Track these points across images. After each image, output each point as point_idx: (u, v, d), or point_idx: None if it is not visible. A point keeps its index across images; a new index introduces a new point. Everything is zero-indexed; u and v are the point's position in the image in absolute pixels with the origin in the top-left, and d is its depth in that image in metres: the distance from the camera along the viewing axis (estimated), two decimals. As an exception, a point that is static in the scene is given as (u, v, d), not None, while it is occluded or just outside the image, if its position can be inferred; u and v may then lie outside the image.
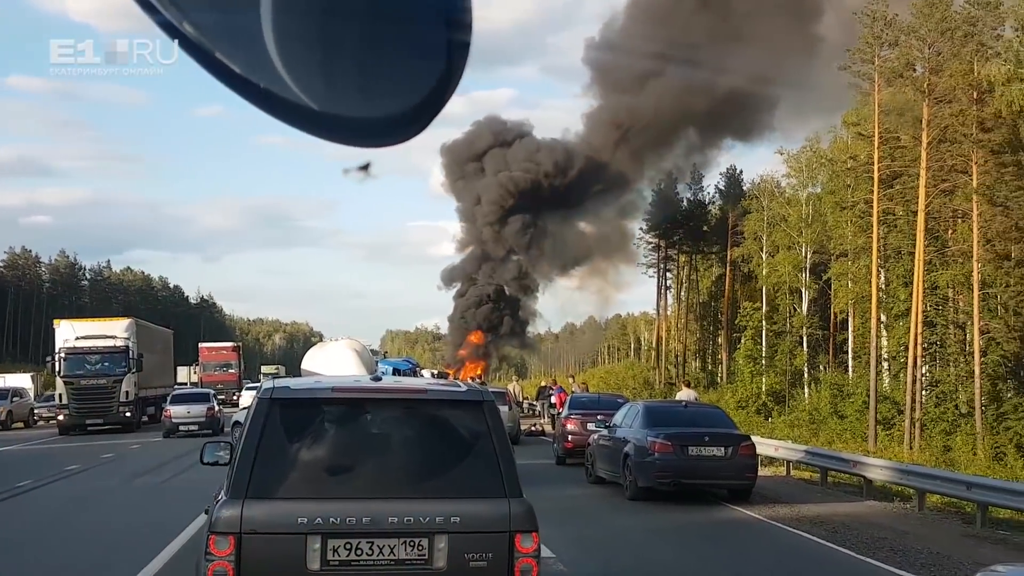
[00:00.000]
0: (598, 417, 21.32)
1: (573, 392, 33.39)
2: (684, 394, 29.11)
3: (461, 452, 6.24)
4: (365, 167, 1.92)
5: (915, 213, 37.93)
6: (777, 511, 15.21)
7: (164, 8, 1.46)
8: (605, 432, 18.08)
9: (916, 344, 35.04)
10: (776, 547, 12.64)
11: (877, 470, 17.47)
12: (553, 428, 34.99)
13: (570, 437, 22.03)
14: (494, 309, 54.36)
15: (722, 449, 15.81)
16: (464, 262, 57.33)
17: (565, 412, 23.21)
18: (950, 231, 40.16)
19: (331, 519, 5.55)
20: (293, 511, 5.58)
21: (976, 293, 33.54)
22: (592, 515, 15.05)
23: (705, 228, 67.81)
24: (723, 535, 13.63)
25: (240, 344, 52.78)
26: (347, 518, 5.57)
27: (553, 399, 35.74)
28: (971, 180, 34.71)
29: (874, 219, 38.50)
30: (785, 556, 12.09)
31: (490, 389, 34.18)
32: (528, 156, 52.51)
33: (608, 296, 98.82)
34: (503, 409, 27.84)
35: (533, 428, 33.55)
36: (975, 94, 33.66)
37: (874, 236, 38.52)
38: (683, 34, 47.48)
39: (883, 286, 40.49)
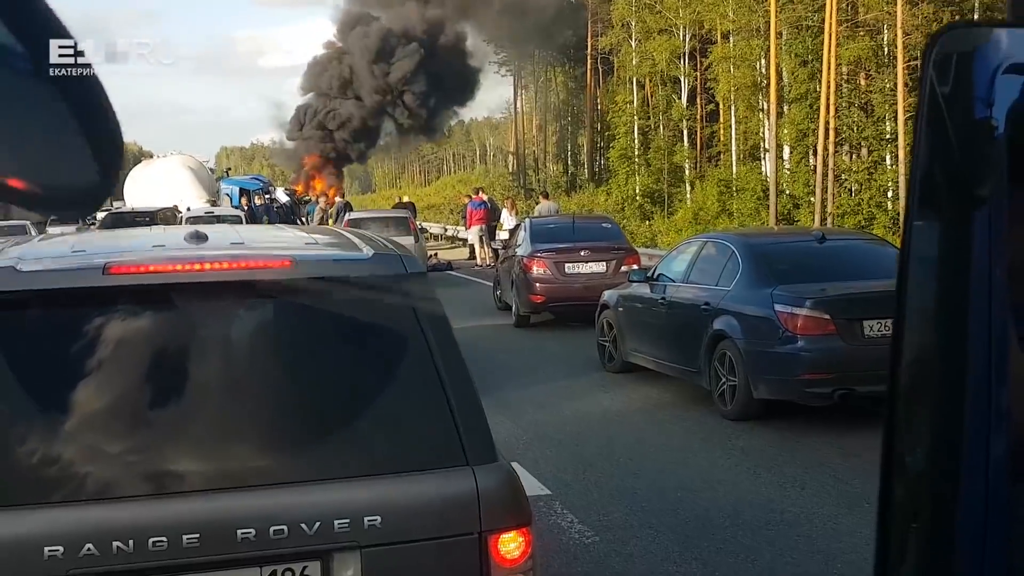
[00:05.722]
0: (581, 254, 15.44)
1: (503, 212, 26.29)
2: (545, 207, 24.23)
3: (371, 382, 2.92)
4: None
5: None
6: None
7: None
8: (642, 289, 11.17)
9: (828, 128, 30.87)
10: None
11: None
12: (472, 257, 28.28)
13: (538, 286, 15.14)
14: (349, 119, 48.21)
15: None
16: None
17: (527, 248, 15.70)
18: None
19: (116, 543, 2.52)
20: (32, 532, 2.55)
21: (901, 67, 29.16)
22: (667, 458, 8.11)
23: (561, 20, 61.75)
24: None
25: None
26: (151, 539, 2.54)
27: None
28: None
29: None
30: None
31: (379, 213, 25.31)
32: None
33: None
34: (407, 241, 17.62)
35: (436, 260, 26.14)
36: None
37: (772, 3, 33.65)
38: None
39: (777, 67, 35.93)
